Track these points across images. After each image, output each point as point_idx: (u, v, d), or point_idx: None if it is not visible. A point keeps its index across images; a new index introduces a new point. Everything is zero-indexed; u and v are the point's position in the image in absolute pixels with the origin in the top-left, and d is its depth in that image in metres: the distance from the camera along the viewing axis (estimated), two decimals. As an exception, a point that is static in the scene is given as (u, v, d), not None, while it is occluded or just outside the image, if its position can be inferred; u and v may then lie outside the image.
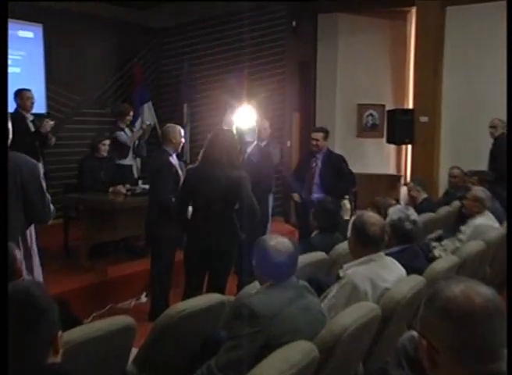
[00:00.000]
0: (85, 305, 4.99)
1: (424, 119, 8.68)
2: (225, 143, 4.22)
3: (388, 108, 9.38)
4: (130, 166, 7.08)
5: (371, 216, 3.30)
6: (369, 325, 2.75)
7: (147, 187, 5.71)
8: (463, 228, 5.12)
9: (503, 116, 7.04)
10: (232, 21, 9.23)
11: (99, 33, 8.96)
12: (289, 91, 9.29)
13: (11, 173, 3.17)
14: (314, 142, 6.34)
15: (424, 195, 6.60)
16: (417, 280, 3.22)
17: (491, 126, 7.46)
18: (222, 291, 4.01)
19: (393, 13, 9.43)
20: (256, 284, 2.89)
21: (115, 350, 2.54)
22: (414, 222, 3.74)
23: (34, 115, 6.46)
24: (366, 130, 9.96)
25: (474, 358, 1.39)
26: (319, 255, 3.95)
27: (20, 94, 6.25)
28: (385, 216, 3.86)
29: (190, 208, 4.37)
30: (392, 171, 9.97)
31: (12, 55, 7.61)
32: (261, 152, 5.93)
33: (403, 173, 9.87)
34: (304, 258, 3.53)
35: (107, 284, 5.57)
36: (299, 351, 2.34)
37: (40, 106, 7.28)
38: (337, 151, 6.83)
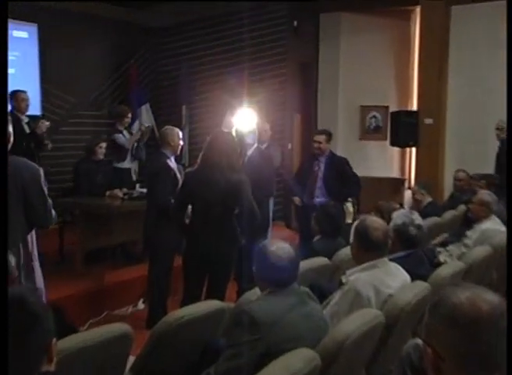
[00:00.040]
0: (81, 312, 4.99)
1: (428, 121, 8.68)
2: (225, 146, 4.22)
3: (391, 109, 9.39)
4: (129, 170, 7.09)
5: (374, 220, 3.30)
6: (372, 332, 2.75)
7: (144, 190, 5.71)
8: (469, 233, 5.11)
9: (510, 118, 7.04)
10: (232, 21, 9.25)
11: (95, 33, 8.97)
12: (290, 92, 9.30)
13: (12, 176, 3.19)
14: (316, 145, 6.34)
15: (429, 199, 6.59)
16: (421, 287, 3.22)
17: (497, 128, 7.46)
18: (221, 298, 4.00)
19: (397, 12, 9.44)
20: (256, 291, 2.89)
21: (112, 358, 2.53)
22: (418, 226, 3.74)
23: (29, 117, 6.46)
24: (369, 133, 9.95)
25: (479, 366, 1.39)
26: (321, 260, 3.94)
27: (15, 95, 6.26)
28: (388, 220, 3.86)
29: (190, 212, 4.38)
30: (395, 174, 9.97)
31: (7, 56, 7.61)
32: (261, 155, 5.93)
33: (407, 176, 9.86)
34: (305, 264, 3.53)
35: (103, 291, 5.56)
36: (300, 359, 2.34)
37: (34, 108, 7.29)
38: (339, 154, 6.84)
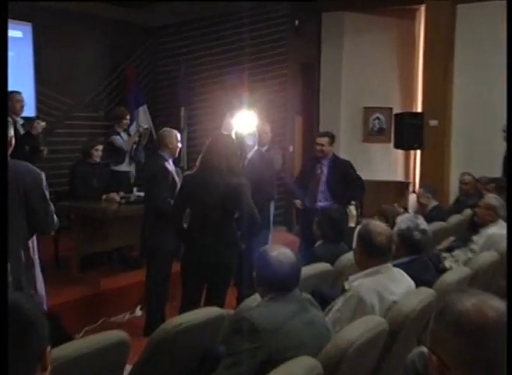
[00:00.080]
0: (76, 318, 4.98)
1: (433, 122, 8.69)
2: (225, 148, 4.23)
3: (395, 111, 9.40)
4: (127, 173, 7.10)
5: (378, 224, 3.30)
6: (376, 340, 2.75)
7: (142, 194, 5.72)
8: (475, 238, 5.11)
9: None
10: (231, 20, 9.26)
11: (91, 33, 8.98)
12: (291, 93, 9.31)
13: (13, 181, 3.21)
14: (319, 147, 6.34)
15: (435, 203, 6.60)
16: (426, 293, 3.22)
17: (504, 130, 7.45)
18: (220, 304, 4.00)
19: (401, 11, 9.46)
20: (257, 297, 2.89)
21: (108, 367, 2.53)
22: (423, 231, 3.74)
23: (24, 118, 6.47)
24: (372, 135, 9.96)
25: (485, 373, 1.39)
26: (323, 266, 3.94)
27: (10, 96, 6.26)
28: (392, 224, 3.86)
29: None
30: (400, 178, 9.97)
31: (1, 56, 7.62)
32: (261, 158, 5.93)
33: (411, 179, 9.86)
34: (307, 270, 3.53)
35: (99, 297, 5.56)
36: (302, 367, 2.34)
37: (29, 109, 7.30)
38: (342, 156, 6.84)
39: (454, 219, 6.25)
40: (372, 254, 3.18)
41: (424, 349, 1.58)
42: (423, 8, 9.13)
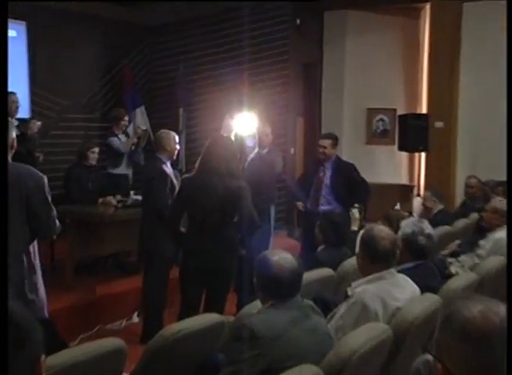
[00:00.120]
0: (71, 326, 4.98)
1: (439, 124, 8.69)
2: (224, 151, 4.24)
3: (399, 112, 9.39)
4: (125, 176, 7.10)
5: (381, 229, 3.30)
6: (380, 348, 2.75)
7: (139, 198, 5.72)
8: (482, 242, 5.11)
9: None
10: (231, 19, 9.27)
11: (87, 32, 8.98)
12: (292, 94, 9.32)
13: (15, 184, 3.25)
14: (321, 150, 6.35)
15: (440, 207, 6.60)
16: (431, 300, 3.22)
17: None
18: (220, 311, 4.00)
19: (405, 10, 9.47)
20: (257, 303, 2.89)
21: (104, 375, 2.53)
22: (428, 236, 3.74)
23: (18, 120, 6.47)
24: (376, 137, 9.97)
25: None
26: (325, 271, 3.94)
27: (4, 97, 6.26)
28: (397, 229, 3.86)
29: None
30: (404, 181, 9.97)
31: (-6, 56, 7.63)
32: (262, 160, 5.94)
33: (416, 183, 9.86)
34: (309, 275, 3.53)
35: (95, 304, 5.55)
36: (304, 376, 2.34)
37: (23, 111, 7.29)
38: (345, 159, 6.84)
39: (460, 223, 6.25)
40: (376, 259, 3.18)
41: (430, 357, 1.58)
42: (428, 6, 9.14)
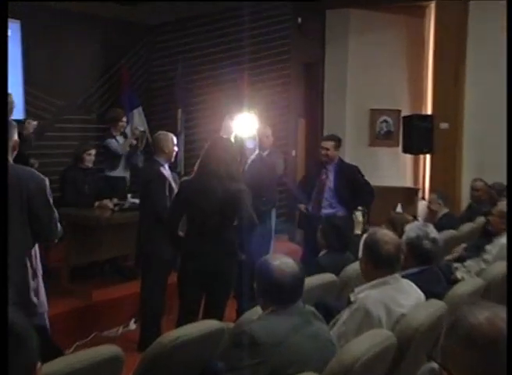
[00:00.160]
0: (67, 333, 4.98)
1: (444, 125, 8.69)
2: (224, 153, 4.24)
3: (404, 113, 9.40)
4: (122, 179, 7.11)
5: (385, 233, 3.30)
6: (383, 355, 2.75)
7: (136, 201, 5.72)
8: (488, 247, 5.11)
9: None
10: (231, 18, 9.29)
11: (83, 31, 8.98)
12: (294, 94, 9.32)
13: (17, 187, 3.28)
14: (324, 152, 6.35)
15: (445, 210, 6.60)
16: (437, 306, 3.22)
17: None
18: (220, 317, 4.01)
19: (410, 8, 9.48)
20: (258, 310, 2.89)
21: (101, 383, 2.53)
22: (433, 240, 3.74)
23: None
24: (379, 139, 9.97)
25: None
26: (328, 276, 3.94)
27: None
28: (401, 233, 3.86)
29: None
30: (408, 184, 9.98)
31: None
32: (262, 163, 5.94)
33: (420, 185, 9.86)
34: (310, 281, 3.53)
35: (91, 310, 5.55)
36: (305, 384, 2.33)
37: (17, 112, 7.30)
38: (347, 161, 6.84)
39: (466, 227, 6.25)
40: (379, 264, 3.18)
41: (435, 365, 1.59)
42: (433, 5, 9.15)
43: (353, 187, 6.28)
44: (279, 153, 7.83)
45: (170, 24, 9.92)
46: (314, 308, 2.82)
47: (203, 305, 4.40)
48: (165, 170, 5.10)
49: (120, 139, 7.08)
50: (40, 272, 3.57)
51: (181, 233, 4.40)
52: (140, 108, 9.43)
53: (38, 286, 3.54)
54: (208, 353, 2.96)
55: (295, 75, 9.37)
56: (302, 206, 6.52)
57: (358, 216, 6.36)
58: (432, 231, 3.82)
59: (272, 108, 8.67)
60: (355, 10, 9.61)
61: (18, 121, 6.70)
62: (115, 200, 6.23)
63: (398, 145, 9.44)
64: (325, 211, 6.23)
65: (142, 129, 7.77)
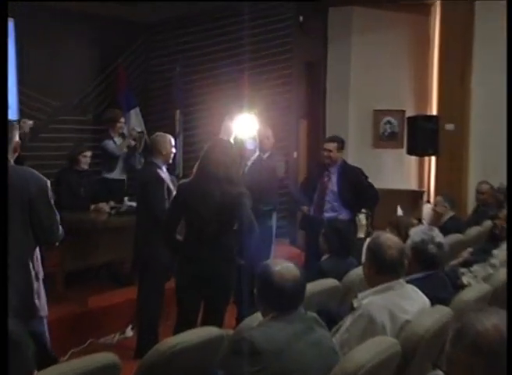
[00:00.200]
0: (61, 340, 4.96)
1: (449, 126, 8.70)
2: (223, 156, 4.24)
3: (408, 114, 9.41)
4: (120, 181, 7.11)
5: (389, 237, 3.30)
6: (388, 363, 2.74)
7: (134, 204, 5.72)
8: (495, 252, 5.11)
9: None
10: (231, 16, 9.28)
11: (79, 30, 8.98)
12: (295, 94, 9.33)
13: (18, 188, 3.32)
14: (326, 153, 6.35)
15: (451, 213, 6.60)
16: (442, 312, 3.22)
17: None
18: (219, 324, 4.00)
19: (414, 6, 9.49)
20: (258, 316, 2.89)
21: (96, 392, 2.53)
22: (439, 244, 3.74)
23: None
24: (383, 140, 9.97)
25: None
26: (330, 282, 3.94)
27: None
28: (405, 237, 3.86)
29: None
30: (413, 186, 9.98)
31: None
32: (263, 165, 5.95)
33: (425, 188, 9.86)
34: (312, 286, 3.53)
35: (87, 316, 5.55)
36: (307, 392, 2.33)
37: (11, 112, 7.30)
38: (350, 163, 6.85)
39: (473, 231, 6.25)
40: (383, 269, 3.18)
41: (440, 373, 1.59)
42: (438, 3, 9.16)
43: (357, 189, 6.28)
44: (280, 155, 7.84)
45: (168, 22, 9.91)
46: (316, 314, 2.82)
47: (202, 311, 4.39)
48: (163, 173, 5.10)
49: (118, 140, 7.08)
50: (41, 275, 3.60)
51: (179, 238, 4.40)
52: (137, 109, 9.42)
53: (40, 289, 3.57)
54: (207, 361, 2.96)
55: (296, 74, 9.37)
56: (305, 208, 6.52)
57: (362, 218, 6.37)
58: (438, 235, 3.82)
59: (273, 109, 8.66)
60: (358, 8, 9.61)
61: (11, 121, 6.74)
62: (112, 203, 6.24)
63: (402, 147, 9.45)
64: (327, 214, 6.23)
65: (139, 129, 7.76)
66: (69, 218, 5.97)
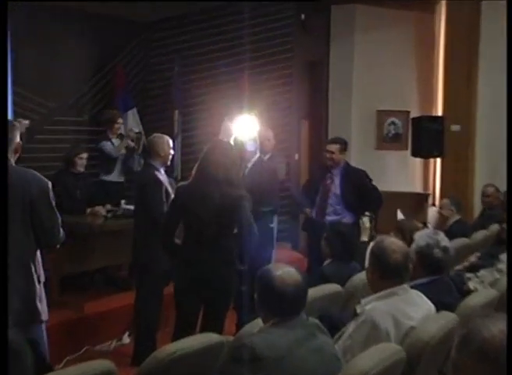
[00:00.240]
0: (56, 347, 4.95)
1: (455, 127, 8.70)
2: (223, 157, 4.25)
3: (413, 115, 9.42)
4: (117, 183, 7.11)
5: (393, 241, 3.30)
6: (392, 370, 2.74)
7: (131, 207, 5.72)
8: (502, 256, 5.10)
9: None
10: (231, 14, 9.29)
11: (75, 28, 8.98)
12: (296, 95, 9.33)
13: (19, 189, 3.36)
14: (328, 155, 6.36)
15: (457, 217, 6.59)
16: (448, 318, 3.22)
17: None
18: (219, 330, 4.00)
19: (419, 4, 9.48)
20: (258, 322, 2.89)
21: (93, 400, 2.53)
22: (444, 249, 3.74)
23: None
24: (387, 141, 9.97)
25: None
26: (333, 287, 3.94)
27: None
28: (410, 241, 3.86)
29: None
30: (418, 189, 9.97)
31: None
32: (263, 167, 5.95)
33: (430, 191, 9.85)
34: (314, 292, 3.53)
35: (82, 323, 5.55)
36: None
37: (5, 113, 7.31)
38: (353, 165, 6.85)
39: (479, 235, 6.25)
40: (387, 274, 3.18)
41: (446, 380, 1.59)
42: (443, 1, 9.16)
43: (360, 192, 6.29)
44: (281, 157, 7.83)
45: (167, 21, 9.91)
46: (318, 320, 2.82)
47: (201, 317, 4.39)
48: (161, 175, 5.10)
49: (116, 142, 7.09)
50: (42, 278, 3.62)
51: (178, 241, 4.41)
52: (135, 110, 9.42)
53: (42, 292, 3.61)
54: (206, 368, 2.95)
55: (298, 74, 9.37)
56: (307, 210, 6.53)
57: (365, 221, 6.37)
58: (443, 239, 3.82)
59: (274, 110, 8.67)
60: (361, 6, 9.61)
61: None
62: (109, 206, 6.24)
63: (407, 148, 9.45)
64: (330, 218, 6.24)
65: (137, 130, 7.77)
66: (65, 221, 5.95)
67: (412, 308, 3.16)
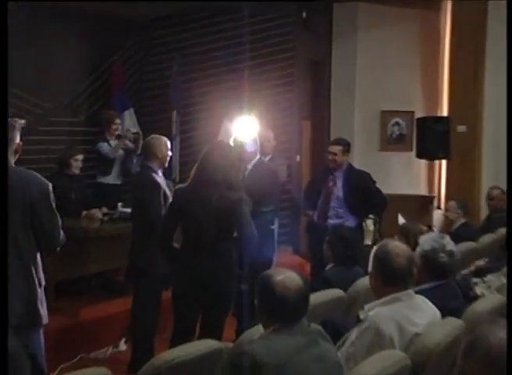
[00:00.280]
0: (51, 354, 4.93)
1: (461, 128, 8.70)
2: (222, 159, 4.25)
3: (418, 115, 9.41)
4: (114, 186, 7.12)
5: (397, 245, 3.30)
6: (396, 378, 2.74)
7: (128, 210, 5.72)
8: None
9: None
10: (232, 12, 9.29)
11: (71, 26, 8.97)
12: (298, 95, 9.33)
13: (19, 190, 3.37)
14: (331, 157, 6.36)
15: (463, 220, 6.59)
16: (454, 324, 3.22)
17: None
18: (218, 336, 3.99)
19: (423, 2, 9.49)
20: (259, 328, 2.89)
21: (88, 408, 2.53)
22: (450, 253, 3.74)
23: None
24: (391, 143, 9.97)
25: None
26: (335, 292, 3.94)
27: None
28: (414, 245, 3.86)
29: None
30: (423, 191, 9.97)
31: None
32: (264, 169, 5.95)
33: (436, 193, 9.86)
34: (316, 297, 3.53)
35: (78, 329, 5.54)
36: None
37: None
38: (356, 167, 6.85)
39: (486, 238, 6.25)
40: (390, 279, 3.18)
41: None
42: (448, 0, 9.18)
43: (364, 195, 6.28)
44: (282, 158, 7.84)
45: (166, 19, 9.91)
46: (320, 326, 2.82)
47: (200, 323, 4.39)
48: (159, 177, 5.10)
49: (113, 143, 7.09)
50: (43, 282, 3.63)
51: (176, 245, 4.41)
52: (132, 110, 9.41)
53: (42, 296, 3.62)
54: (205, 376, 2.96)
55: (299, 74, 9.38)
56: (310, 213, 6.53)
57: (369, 224, 6.37)
58: (449, 243, 3.82)
59: (275, 110, 8.67)
60: (364, 3, 9.62)
61: None
62: (105, 209, 6.24)
63: (411, 150, 9.44)
64: (332, 221, 6.23)
65: (135, 131, 7.76)
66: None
67: (417, 314, 3.16)
